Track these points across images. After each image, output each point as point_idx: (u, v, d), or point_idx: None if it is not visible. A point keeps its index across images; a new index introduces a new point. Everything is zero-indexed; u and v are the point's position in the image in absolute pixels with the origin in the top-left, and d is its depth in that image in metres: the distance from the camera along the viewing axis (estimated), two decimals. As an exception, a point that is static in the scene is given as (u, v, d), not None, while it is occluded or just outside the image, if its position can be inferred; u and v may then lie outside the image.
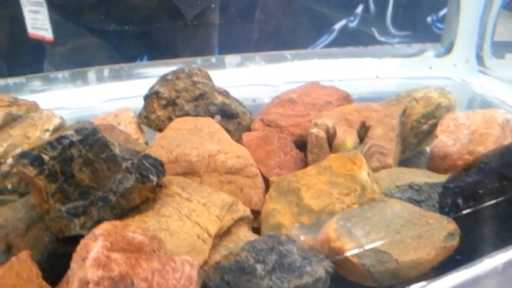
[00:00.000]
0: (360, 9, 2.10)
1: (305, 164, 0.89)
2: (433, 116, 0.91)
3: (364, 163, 0.68)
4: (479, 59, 1.64)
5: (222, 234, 0.64)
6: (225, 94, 1.01)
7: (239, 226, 0.66)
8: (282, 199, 0.69)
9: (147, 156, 0.70)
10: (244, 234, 0.65)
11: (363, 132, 0.78)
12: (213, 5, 1.65)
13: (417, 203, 0.68)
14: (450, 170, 0.79)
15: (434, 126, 0.90)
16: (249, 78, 1.53)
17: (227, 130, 0.98)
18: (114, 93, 1.36)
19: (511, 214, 0.61)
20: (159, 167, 0.69)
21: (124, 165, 0.63)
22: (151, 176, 0.64)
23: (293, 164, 0.88)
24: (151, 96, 0.97)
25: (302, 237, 0.63)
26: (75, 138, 0.61)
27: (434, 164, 0.84)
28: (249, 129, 1.01)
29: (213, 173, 0.78)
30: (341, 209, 0.64)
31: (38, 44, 1.49)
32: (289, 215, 0.67)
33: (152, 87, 0.99)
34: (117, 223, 0.54)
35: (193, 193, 0.67)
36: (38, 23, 1.42)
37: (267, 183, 0.79)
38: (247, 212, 0.68)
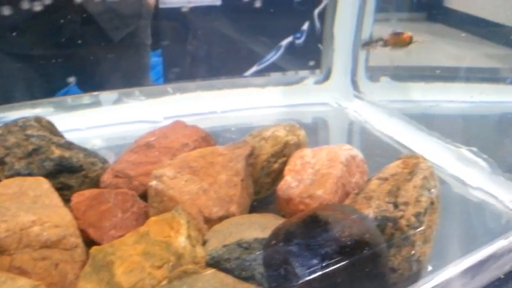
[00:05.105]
0: (306, 26, 2.07)
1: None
2: (283, 155, 0.85)
3: (183, 225, 0.59)
4: (354, 84, 1.66)
5: (7, 336, 0.51)
6: (66, 146, 0.88)
7: (35, 319, 0.53)
8: (94, 276, 0.58)
9: None
10: (40, 330, 0.52)
11: None
12: (141, 26, 1.50)
13: (248, 264, 0.60)
14: (295, 215, 0.73)
15: (285, 164, 0.84)
16: (127, 116, 1.41)
17: (69, 187, 0.85)
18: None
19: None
20: None
21: None
22: None
23: (134, 221, 0.77)
24: (-26, 156, 0.82)
25: (110, 325, 0.52)
26: None
27: (282, 208, 0.77)
28: (97, 182, 0.89)
29: (26, 249, 0.64)
30: (151, 286, 0.54)
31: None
32: (99, 297, 0.55)
33: (-25, 145, 0.83)
34: None
35: (-24, 286, 0.54)
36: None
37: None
38: (49, 299, 0.55)
